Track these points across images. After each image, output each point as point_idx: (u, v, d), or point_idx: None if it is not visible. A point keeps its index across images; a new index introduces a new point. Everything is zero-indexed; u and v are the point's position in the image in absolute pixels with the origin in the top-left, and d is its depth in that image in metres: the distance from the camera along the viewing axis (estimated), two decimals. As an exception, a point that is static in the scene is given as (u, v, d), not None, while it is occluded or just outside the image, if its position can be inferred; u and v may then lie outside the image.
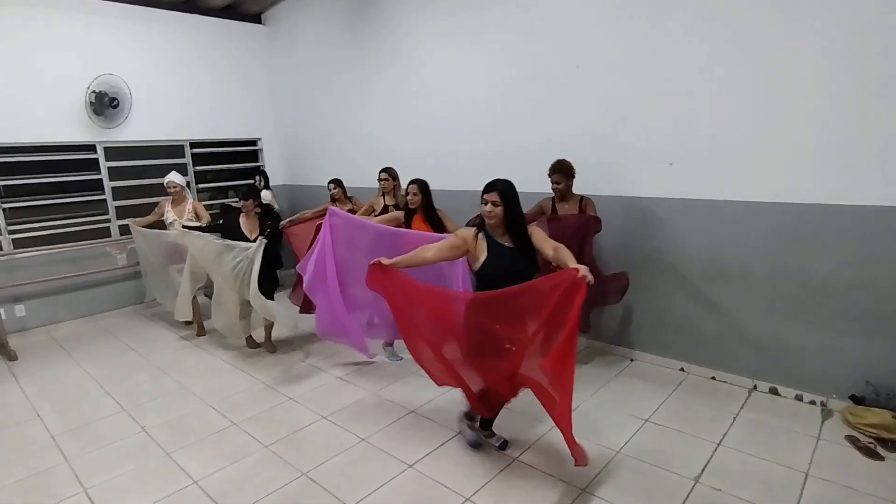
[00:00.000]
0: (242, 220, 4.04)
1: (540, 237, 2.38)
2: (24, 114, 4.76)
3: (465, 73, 4.38)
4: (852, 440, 2.60)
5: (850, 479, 2.32)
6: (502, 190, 2.33)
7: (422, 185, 3.53)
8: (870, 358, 2.75)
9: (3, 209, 4.77)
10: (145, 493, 2.46)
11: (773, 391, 3.11)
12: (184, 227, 4.30)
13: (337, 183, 4.82)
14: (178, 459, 2.73)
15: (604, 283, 3.27)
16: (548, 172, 3.42)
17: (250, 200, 4.00)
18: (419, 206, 3.52)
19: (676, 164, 3.26)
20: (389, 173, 4.29)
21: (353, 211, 4.61)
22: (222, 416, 3.17)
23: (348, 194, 4.88)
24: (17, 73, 4.70)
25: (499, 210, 2.33)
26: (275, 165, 6.70)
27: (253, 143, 6.59)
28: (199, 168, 6.04)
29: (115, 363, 4.13)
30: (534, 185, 3.56)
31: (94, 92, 5.03)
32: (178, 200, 4.72)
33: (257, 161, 6.65)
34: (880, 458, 2.46)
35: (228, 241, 3.86)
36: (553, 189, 3.46)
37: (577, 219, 3.36)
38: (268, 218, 4.13)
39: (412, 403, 3.19)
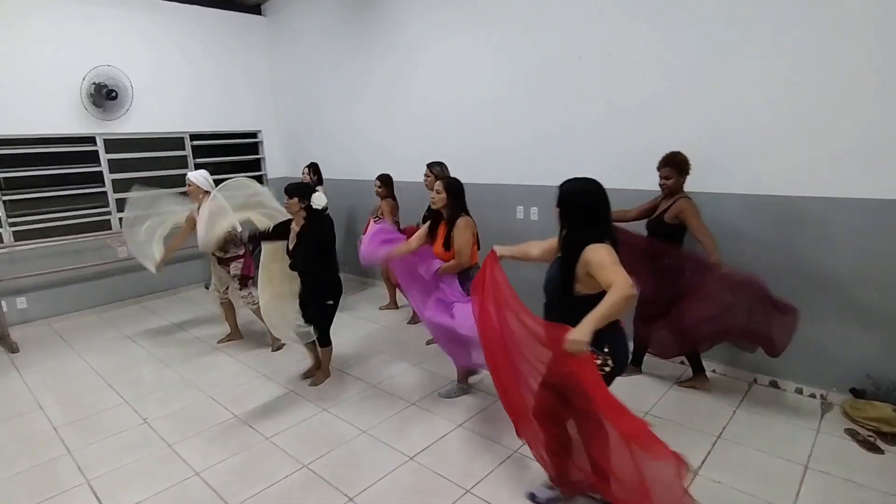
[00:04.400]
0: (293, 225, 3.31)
1: (595, 259, 1.83)
2: (23, 105, 4.73)
3: (467, 65, 4.35)
4: (852, 433, 2.60)
5: (849, 472, 2.33)
6: (559, 194, 2.00)
7: (449, 184, 2.94)
8: (870, 351, 2.75)
9: (4, 201, 4.76)
10: (147, 484, 2.47)
11: (773, 384, 3.11)
12: (257, 233, 3.48)
13: (383, 181, 4.02)
14: (179, 451, 2.74)
15: (768, 311, 2.66)
16: (657, 166, 2.94)
17: (295, 199, 3.14)
18: (443, 209, 2.96)
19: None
20: (432, 169, 3.67)
21: (396, 208, 4.26)
22: (224, 408, 3.18)
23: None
24: (16, 64, 4.67)
25: (557, 214, 2.03)
26: (275, 158, 6.69)
27: (253, 135, 6.57)
28: (199, 160, 6.02)
29: (117, 355, 4.14)
30: (534, 179, 3.52)
31: (92, 83, 5.00)
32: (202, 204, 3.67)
33: (257, 153, 6.63)
34: (880, 451, 2.47)
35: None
36: (661, 186, 2.94)
37: (645, 242, 2.89)
38: (316, 224, 3.23)
39: (413, 396, 3.20)
